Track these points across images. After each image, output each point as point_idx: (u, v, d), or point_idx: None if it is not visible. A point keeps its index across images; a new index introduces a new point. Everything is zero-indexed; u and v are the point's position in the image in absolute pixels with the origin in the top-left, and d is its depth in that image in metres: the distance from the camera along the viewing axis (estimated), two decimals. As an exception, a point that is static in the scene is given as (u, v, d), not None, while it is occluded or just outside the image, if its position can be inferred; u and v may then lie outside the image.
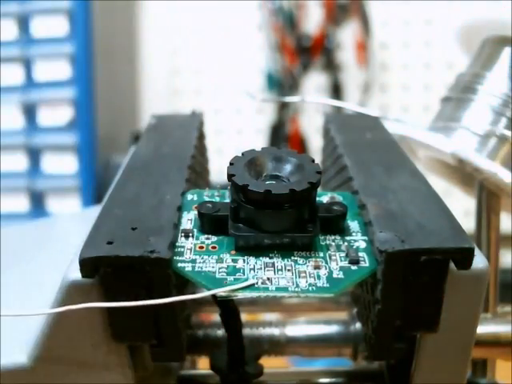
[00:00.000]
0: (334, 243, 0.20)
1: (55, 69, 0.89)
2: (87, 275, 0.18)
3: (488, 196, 0.29)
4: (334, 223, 0.20)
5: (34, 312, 0.19)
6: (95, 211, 0.21)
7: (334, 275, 0.19)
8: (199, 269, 0.19)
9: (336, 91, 1.03)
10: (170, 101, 1.08)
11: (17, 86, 0.89)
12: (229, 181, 0.19)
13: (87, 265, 0.18)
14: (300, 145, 1.01)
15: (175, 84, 1.08)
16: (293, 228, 0.19)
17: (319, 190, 0.20)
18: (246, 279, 0.18)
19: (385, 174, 0.23)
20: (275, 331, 0.27)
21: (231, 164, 0.20)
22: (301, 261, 0.19)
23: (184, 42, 1.07)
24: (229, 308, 0.22)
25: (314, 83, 1.04)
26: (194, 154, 0.26)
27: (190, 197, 0.22)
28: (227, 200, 0.21)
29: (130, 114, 1.07)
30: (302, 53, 1.02)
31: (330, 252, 0.19)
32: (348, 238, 0.20)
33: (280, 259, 0.19)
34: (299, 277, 0.18)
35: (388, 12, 1.02)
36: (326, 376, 0.27)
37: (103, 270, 0.18)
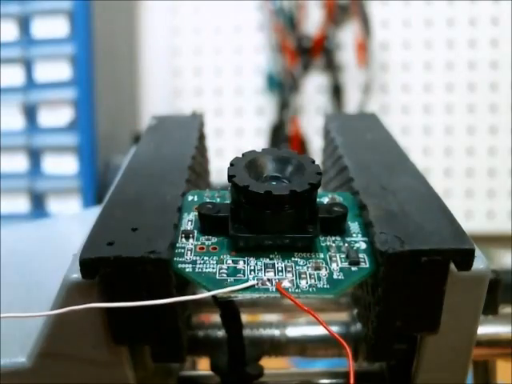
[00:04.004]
0: (334, 244, 0.20)
1: (55, 69, 0.89)
2: (87, 276, 0.18)
3: None
4: (335, 224, 0.20)
5: (35, 314, 0.19)
6: (95, 212, 0.21)
7: (335, 276, 0.19)
8: (199, 270, 0.19)
9: (336, 92, 1.03)
10: (171, 101, 1.08)
11: (17, 86, 0.89)
12: (229, 182, 0.19)
13: (87, 265, 0.18)
14: (300, 145, 1.01)
15: (175, 84, 1.08)
16: (293, 229, 0.19)
17: (320, 190, 0.20)
18: (247, 280, 0.18)
19: (385, 174, 0.23)
20: (276, 332, 0.27)
21: (232, 165, 0.20)
22: (301, 262, 0.19)
23: (184, 42, 1.07)
24: (229, 309, 0.22)
25: (315, 84, 1.04)
26: (194, 155, 0.26)
27: (190, 198, 0.22)
28: (227, 201, 0.21)
29: (130, 114, 1.07)
30: (303, 53, 1.01)
31: (330, 253, 0.19)
32: (348, 239, 0.20)
33: (280, 260, 0.19)
34: (299, 278, 0.18)
35: (388, 12, 1.02)
36: (326, 377, 0.27)
37: (103, 271, 0.18)
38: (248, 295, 0.18)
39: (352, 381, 0.15)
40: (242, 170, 0.20)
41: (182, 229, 0.21)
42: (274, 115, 1.05)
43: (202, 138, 0.31)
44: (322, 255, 0.19)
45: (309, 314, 0.18)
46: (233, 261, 0.19)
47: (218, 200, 0.22)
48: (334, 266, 0.19)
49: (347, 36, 1.02)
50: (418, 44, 1.03)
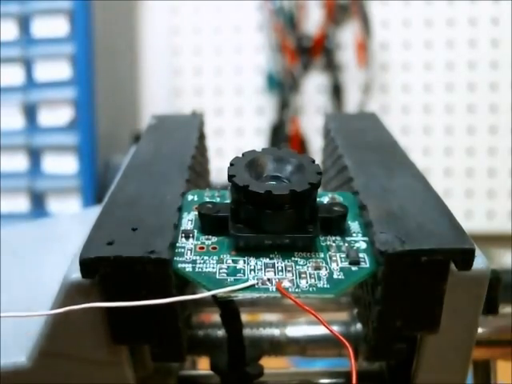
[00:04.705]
0: (334, 244, 0.20)
1: (55, 69, 0.89)
2: (88, 275, 0.18)
3: None
4: (335, 224, 0.20)
5: (35, 313, 0.19)
6: (95, 211, 0.21)
7: (335, 276, 0.19)
8: (199, 269, 0.19)
9: (336, 91, 1.03)
10: (171, 101, 1.08)
11: (17, 86, 0.89)
12: (229, 181, 0.19)
13: (87, 265, 0.18)
14: (300, 145, 1.01)
15: (175, 84, 1.08)
16: (293, 229, 0.19)
17: (320, 190, 0.20)
18: (247, 280, 0.18)
19: (385, 174, 0.23)
20: (275, 332, 0.27)
21: (232, 165, 0.20)
22: (301, 261, 0.19)
23: (184, 42, 1.06)
24: (229, 308, 0.22)
25: (315, 83, 1.04)
26: (194, 155, 0.26)
27: (190, 197, 0.22)
28: (228, 201, 0.21)
29: (130, 114, 1.07)
30: (303, 53, 1.01)
31: (330, 253, 0.19)
32: (348, 238, 0.20)
33: (280, 260, 0.19)
34: (299, 277, 0.18)
35: (388, 12, 1.02)
36: (326, 376, 0.27)
37: (103, 271, 0.18)
38: (248, 295, 0.18)
39: (354, 381, 0.15)
40: (242, 169, 0.20)
41: (182, 228, 0.21)
42: (274, 115, 1.05)
43: (202, 137, 0.31)
44: (322, 255, 0.19)
45: (309, 314, 0.18)
46: (233, 260, 0.19)
47: (218, 200, 0.22)
48: (334, 265, 0.19)
49: (347, 36, 1.02)
50: (418, 44, 1.03)
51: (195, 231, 0.20)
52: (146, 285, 0.18)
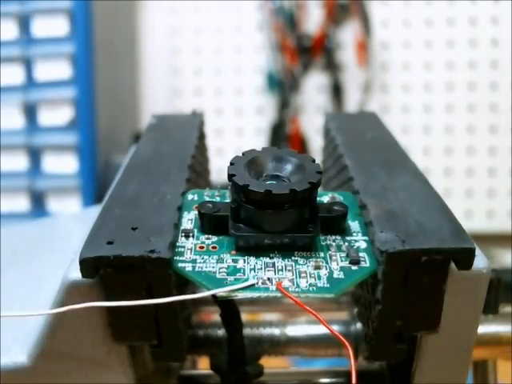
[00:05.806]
0: (334, 243, 0.20)
1: (55, 69, 0.89)
2: (87, 275, 0.18)
3: None
4: (335, 223, 0.20)
5: (35, 313, 0.19)
6: (95, 211, 0.21)
7: (335, 275, 0.19)
8: (199, 269, 0.19)
9: (336, 91, 1.03)
10: (171, 101, 1.08)
11: (17, 85, 0.89)
12: (229, 181, 0.19)
13: (87, 265, 0.18)
14: (300, 145, 1.01)
15: (175, 84, 1.08)
16: (293, 228, 0.19)
17: (320, 189, 0.20)
18: (247, 279, 0.18)
19: (385, 174, 0.23)
20: (275, 331, 0.27)
21: (232, 164, 0.20)
22: (301, 261, 0.19)
23: (184, 42, 1.06)
24: (229, 308, 0.22)
25: (315, 83, 1.04)
26: (194, 154, 0.26)
27: (190, 197, 0.22)
28: (228, 200, 0.21)
29: (130, 113, 1.07)
30: (303, 53, 1.01)
31: (330, 252, 0.19)
32: (349, 238, 0.20)
33: (280, 259, 0.19)
34: (300, 277, 0.18)
35: (388, 12, 1.02)
36: (326, 376, 0.27)
37: (103, 270, 0.18)
38: (248, 294, 0.18)
39: (354, 381, 0.15)
40: (242, 168, 0.20)
41: (182, 228, 0.20)
42: (274, 114, 1.05)
43: (202, 136, 0.31)
44: (322, 254, 0.19)
45: (309, 314, 0.18)
46: (233, 260, 0.19)
47: (218, 199, 0.22)
48: (334, 265, 0.19)
49: (347, 35, 1.02)
50: (418, 44, 1.03)
51: (195, 230, 0.20)
52: (146, 284, 0.18)
